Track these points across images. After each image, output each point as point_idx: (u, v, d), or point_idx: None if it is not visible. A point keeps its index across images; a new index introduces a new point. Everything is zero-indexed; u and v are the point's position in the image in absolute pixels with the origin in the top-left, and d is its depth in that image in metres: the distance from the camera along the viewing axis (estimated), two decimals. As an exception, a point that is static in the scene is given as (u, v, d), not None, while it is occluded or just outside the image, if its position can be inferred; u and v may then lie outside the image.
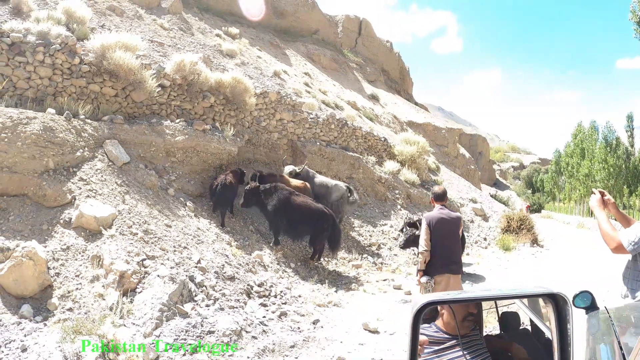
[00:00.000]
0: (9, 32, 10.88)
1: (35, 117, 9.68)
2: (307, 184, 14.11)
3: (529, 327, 3.68)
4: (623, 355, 2.87)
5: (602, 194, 4.95)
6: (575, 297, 3.75)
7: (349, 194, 14.91)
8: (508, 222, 21.40)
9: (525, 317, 3.72)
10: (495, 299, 3.52)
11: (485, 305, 3.78)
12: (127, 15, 16.95)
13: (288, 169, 14.41)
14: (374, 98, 30.12)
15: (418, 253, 7.50)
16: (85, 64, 11.72)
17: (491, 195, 29.58)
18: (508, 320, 3.86)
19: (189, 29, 19.14)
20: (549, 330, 2.94)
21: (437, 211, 7.27)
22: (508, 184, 40.60)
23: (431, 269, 7.18)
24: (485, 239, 19.46)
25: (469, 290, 4.29)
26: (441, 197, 7.48)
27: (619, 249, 4.42)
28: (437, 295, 2.93)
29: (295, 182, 13.77)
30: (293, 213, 12.00)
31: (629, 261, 4.60)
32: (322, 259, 12.94)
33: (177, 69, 13.46)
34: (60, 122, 10.05)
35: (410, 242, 13.41)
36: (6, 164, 8.97)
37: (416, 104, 38.69)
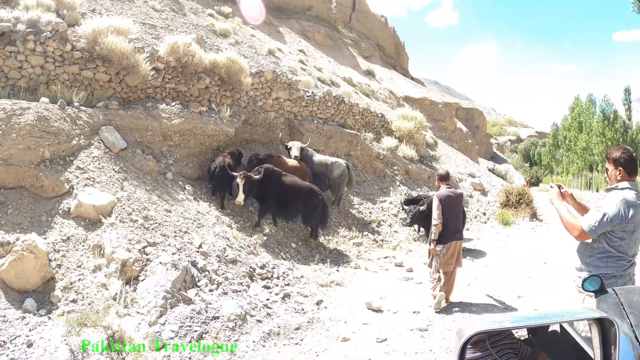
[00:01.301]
0: (-2, 22, 10.68)
1: (29, 107, 9.55)
2: (303, 164, 14.08)
3: (558, 329, 3.62)
4: (636, 337, 2.83)
5: (560, 187, 5.25)
6: (584, 281, 3.72)
7: (348, 171, 14.87)
8: (507, 197, 21.38)
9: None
10: (543, 324, 3.47)
11: None
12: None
13: (295, 144, 14.33)
14: (369, 74, 29.89)
15: (432, 226, 8.58)
16: (77, 51, 11.55)
17: (489, 169, 29.52)
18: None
19: (180, 9, 18.89)
20: (581, 338, 2.90)
21: (446, 190, 8.77)
22: (505, 157, 40.55)
23: (442, 238, 8.62)
24: (484, 214, 19.46)
25: (515, 316, 4.22)
26: (446, 178, 9.07)
27: (581, 235, 4.76)
28: (483, 323, 2.82)
29: (292, 162, 13.71)
30: (285, 194, 11.95)
31: None
32: (322, 238, 12.92)
33: (171, 51, 13.28)
34: (55, 110, 9.93)
35: (416, 218, 13.48)
36: (1, 157, 8.86)
37: (412, 78, 38.39)
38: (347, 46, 31.82)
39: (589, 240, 4.87)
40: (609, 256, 4.73)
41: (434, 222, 8.54)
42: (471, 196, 20.94)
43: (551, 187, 5.28)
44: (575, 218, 4.87)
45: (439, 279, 8.87)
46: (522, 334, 3.94)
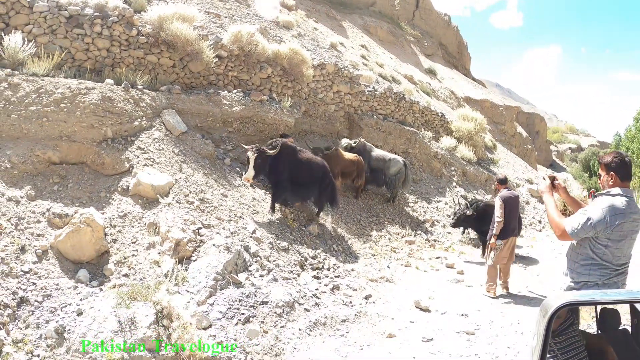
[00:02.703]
0: (67, 5, 10.96)
1: (94, 87, 9.78)
2: (360, 157, 13.88)
3: (629, 328, 3.38)
4: None
5: (553, 179, 5.07)
6: None
7: (405, 169, 14.66)
8: (564, 206, 20.62)
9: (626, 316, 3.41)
10: (635, 300, 3.20)
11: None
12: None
13: (344, 142, 14.20)
14: (431, 72, 29.46)
15: (494, 222, 9.67)
16: (142, 36, 11.75)
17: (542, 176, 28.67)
18: (607, 318, 3.55)
19: (244, 0, 19.03)
20: None
21: (507, 192, 10.04)
22: (565, 166, 39.13)
23: (501, 234, 9.73)
24: (540, 222, 18.83)
25: (606, 291, 4.00)
26: (505, 182, 10.41)
27: (563, 235, 4.62)
28: (572, 295, 2.60)
29: (349, 156, 13.58)
30: (301, 172, 10.92)
31: (572, 242, 4.81)
32: (374, 234, 12.75)
33: (234, 39, 13.36)
34: (119, 92, 10.12)
35: (461, 221, 13.24)
36: (65, 133, 9.10)
37: (474, 79, 37.63)
38: (409, 43, 31.44)
39: (575, 244, 4.75)
40: (592, 264, 4.56)
41: (496, 219, 9.63)
42: (528, 203, 20.30)
43: (543, 178, 5.11)
44: (561, 217, 4.71)
45: (495, 272, 9.88)
46: (590, 330, 3.70)
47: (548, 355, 2.53)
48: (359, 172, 13.69)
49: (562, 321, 3.11)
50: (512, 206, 9.90)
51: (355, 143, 14.21)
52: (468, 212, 12.90)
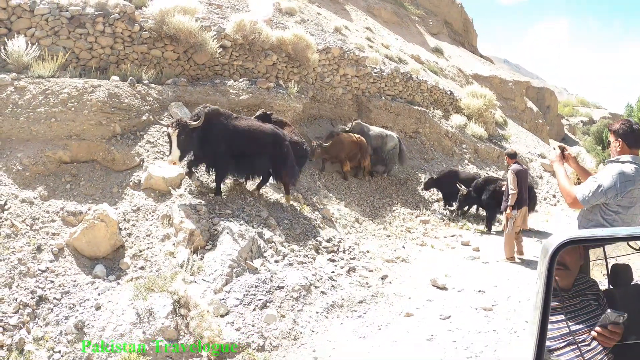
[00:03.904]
0: (68, 6, 11.03)
1: (100, 85, 9.83)
2: (362, 138, 13.94)
3: None
4: None
5: (563, 149, 5.07)
6: None
7: (400, 144, 14.73)
8: (578, 179, 20.38)
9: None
10: None
11: (592, 255, 3.42)
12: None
13: (338, 128, 14.21)
14: (437, 51, 29.24)
15: (509, 194, 10.32)
16: (145, 31, 11.78)
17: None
18: (618, 274, 3.51)
19: (246, -11, 19.00)
20: None
21: (517, 165, 10.69)
22: (577, 139, 38.58)
23: (515, 204, 10.36)
24: (554, 196, 18.70)
25: (612, 229, 3.96)
26: (514, 156, 11.18)
27: (574, 203, 4.65)
28: (574, 232, 2.56)
29: (352, 138, 13.63)
30: (242, 143, 9.24)
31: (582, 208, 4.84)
32: (389, 214, 12.74)
33: (237, 29, 13.36)
34: (125, 88, 10.18)
35: (462, 202, 14.01)
36: (74, 132, 9.18)
37: (481, 56, 37.23)
38: (414, 23, 31.18)
39: (585, 209, 4.76)
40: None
41: (510, 191, 10.28)
42: (541, 177, 20.16)
43: (554, 148, 5.15)
44: (572, 186, 4.73)
45: (512, 241, 10.50)
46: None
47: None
48: (363, 152, 13.76)
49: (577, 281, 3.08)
50: (522, 178, 10.53)
51: (351, 127, 14.27)
52: (463, 191, 13.66)
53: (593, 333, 2.47)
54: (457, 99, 20.72)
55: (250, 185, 10.15)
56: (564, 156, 5.00)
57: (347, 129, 14.10)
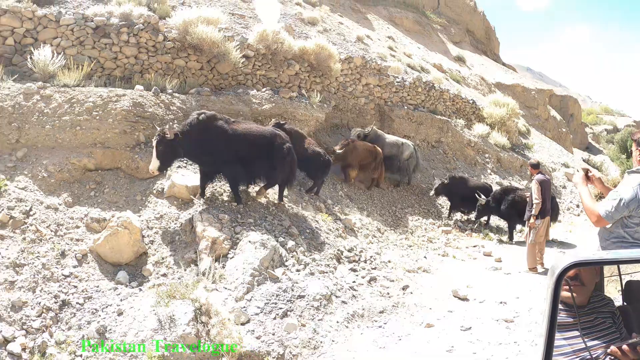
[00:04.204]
0: (93, 17, 11.25)
1: (125, 94, 9.95)
2: (378, 148, 13.73)
3: None
4: None
5: (587, 171, 4.96)
6: None
7: (415, 153, 14.66)
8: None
9: None
10: None
11: (606, 271, 3.36)
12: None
13: (355, 131, 14.07)
14: (459, 60, 29.16)
15: (533, 204, 10.33)
16: (169, 41, 11.92)
17: (584, 160, 27.94)
18: (632, 291, 3.45)
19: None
20: None
21: (541, 175, 10.67)
22: (601, 148, 37.96)
23: (539, 214, 10.36)
24: (577, 206, 18.43)
25: (618, 252, 3.90)
26: (538, 166, 11.01)
27: (599, 221, 4.54)
28: (581, 255, 2.52)
29: (367, 146, 13.44)
30: (242, 147, 8.99)
31: None
32: (410, 224, 12.67)
33: (260, 39, 13.46)
34: (149, 97, 10.28)
35: (481, 212, 14.04)
36: (99, 140, 9.31)
37: (504, 64, 37.00)
38: (436, 32, 31.15)
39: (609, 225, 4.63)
40: (623, 242, 4.47)
41: (535, 201, 10.29)
42: (564, 187, 19.90)
43: (577, 170, 5.03)
44: (595, 203, 4.62)
45: (535, 250, 10.47)
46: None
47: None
48: (378, 162, 13.56)
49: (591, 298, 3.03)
50: (546, 188, 10.58)
51: (368, 131, 14.10)
52: (482, 201, 13.62)
53: (612, 348, 2.37)
54: (479, 107, 20.61)
55: (252, 189, 9.91)
56: (588, 178, 4.90)
57: (366, 132, 14.01)
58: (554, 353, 2.35)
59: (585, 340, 2.61)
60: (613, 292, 3.40)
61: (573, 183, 5.06)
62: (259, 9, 17.04)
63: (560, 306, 2.56)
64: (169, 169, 9.18)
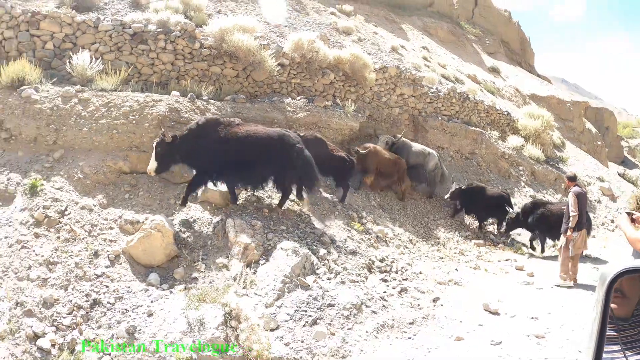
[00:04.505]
0: (130, 24, 11.46)
1: (161, 99, 10.07)
2: (402, 159, 13.39)
3: None
4: None
5: (631, 215, 4.67)
6: None
7: (440, 162, 14.46)
8: (638, 204, 19.53)
9: None
10: None
11: None
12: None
13: (384, 138, 13.79)
14: (494, 71, 28.86)
15: (570, 216, 10.24)
16: (205, 48, 12.03)
17: (619, 174, 27.27)
18: None
19: (303, 9, 19.21)
20: None
21: (577, 188, 10.59)
22: (637, 162, 36.95)
23: (576, 226, 10.29)
24: (612, 221, 17.99)
25: None
26: (574, 179, 11.04)
27: None
28: (632, 262, 2.43)
29: (389, 155, 13.09)
30: (242, 149, 8.78)
31: None
32: (442, 235, 12.51)
33: (295, 47, 13.50)
34: (185, 103, 10.39)
35: (510, 225, 14.00)
36: (135, 144, 9.45)
37: (539, 76, 36.45)
38: (471, 42, 30.90)
39: None
40: None
41: (572, 213, 10.24)
42: (599, 201, 19.46)
43: (620, 213, 4.87)
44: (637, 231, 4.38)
45: (569, 263, 10.39)
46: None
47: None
48: (401, 175, 13.22)
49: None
50: (582, 201, 10.50)
51: (397, 139, 13.86)
52: (512, 215, 13.83)
53: None
54: (514, 119, 20.31)
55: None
56: (633, 220, 4.64)
57: (395, 140, 13.78)
58: None
59: (627, 354, 2.51)
60: None
61: (616, 224, 4.90)
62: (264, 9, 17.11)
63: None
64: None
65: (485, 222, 14.56)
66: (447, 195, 14.11)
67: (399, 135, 14.13)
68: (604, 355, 2.43)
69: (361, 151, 12.18)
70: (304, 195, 9.97)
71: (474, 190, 13.99)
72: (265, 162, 8.90)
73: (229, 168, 8.78)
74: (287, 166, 9.06)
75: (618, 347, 2.54)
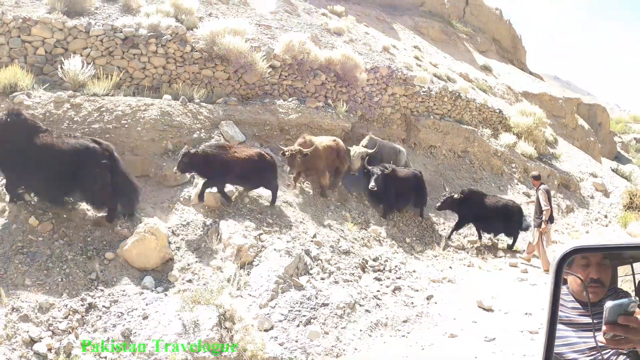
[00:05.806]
0: (122, 28, 11.52)
1: (153, 103, 10.15)
2: (338, 141, 12.02)
3: None
4: None
5: None
6: None
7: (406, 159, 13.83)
8: (631, 199, 19.61)
9: None
10: None
11: (620, 271, 3.31)
12: (233, 2, 17.36)
13: (357, 153, 12.25)
14: (486, 69, 28.94)
15: (543, 211, 11.08)
16: (196, 51, 12.10)
17: (612, 170, 27.34)
18: None
19: (294, 10, 19.27)
20: None
21: (545, 185, 11.77)
22: (630, 157, 36.96)
23: (548, 219, 11.19)
24: (605, 216, 18.09)
25: (622, 239, 3.86)
26: (540, 178, 12.02)
27: None
28: (580, 241, 2.50)
29: (325, 142, 11.55)
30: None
31: None
32: (436, 234, 12.58)
33: (286, 49, 13.56)
34: (177, 106, 10.45)
35: (443, 203, 12.67)
36: (127, 148, 9.49)
37: (531, 73, 36.53)
38: (462, 41, 30.99)
39: None
40: None
41: (544, 208, 11.10)
42: (592, 197, 19.52)
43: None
44: None
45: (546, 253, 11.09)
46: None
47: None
48: (342, 159, 11.94)
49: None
50: (550, 197, 11.51)
51: (372, 150, 12.61)
52: (451, 195, 12.55)
53: (600, 338, 2.22)
54: (506, 117, 20.38)
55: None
56: None
57: (370, 152, 12.43)
58: (569, 351, 2.34)
59: (597, 339, 2.58)
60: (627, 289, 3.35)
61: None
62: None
63: (576, 305, 2.55)
64: (195, 177, 9.48)
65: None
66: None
67: (368, 138, 13.18)
68: (577, 339, 2.51)
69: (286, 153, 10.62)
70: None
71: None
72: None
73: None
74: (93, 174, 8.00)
75: (591, 334, 2.62)
